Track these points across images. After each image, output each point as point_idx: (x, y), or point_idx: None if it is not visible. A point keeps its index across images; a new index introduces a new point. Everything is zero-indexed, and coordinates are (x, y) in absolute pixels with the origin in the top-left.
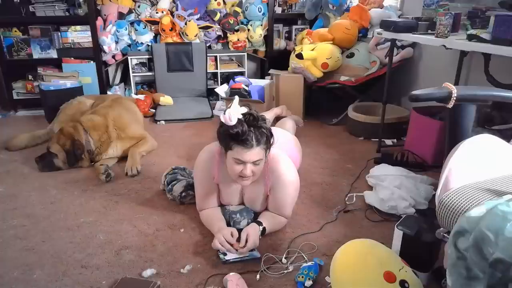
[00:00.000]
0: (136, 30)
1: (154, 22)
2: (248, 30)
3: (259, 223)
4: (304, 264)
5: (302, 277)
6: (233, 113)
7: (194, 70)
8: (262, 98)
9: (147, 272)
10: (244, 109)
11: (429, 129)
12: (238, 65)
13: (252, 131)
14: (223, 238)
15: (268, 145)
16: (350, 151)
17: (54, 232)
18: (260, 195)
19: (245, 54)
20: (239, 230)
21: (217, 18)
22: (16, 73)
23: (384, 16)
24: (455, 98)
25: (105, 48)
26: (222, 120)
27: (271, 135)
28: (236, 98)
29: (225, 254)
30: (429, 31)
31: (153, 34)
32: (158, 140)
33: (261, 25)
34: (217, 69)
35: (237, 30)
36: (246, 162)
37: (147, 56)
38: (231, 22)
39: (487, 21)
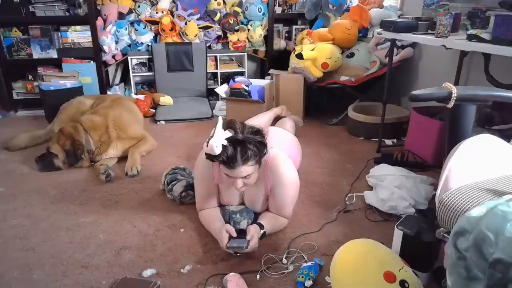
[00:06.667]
0: (136, 30)
1: (154, 22)
2: (248, 30)
3: (261, 226)
4: (304, 264)
5: (302, 277)
6: (216, 142)
7: (194, 70)
8: (262, 98)
9: (147, 272)
10: (228, 133)
11: (429, 129)
12: (238, 65)
13: (238, 151)
14: (227, 232)
15: (259, 157)
16: (350, 151)
17: (54, 232)
18: (260, 195)
19: (245, 54)
20: (240, 230)
21: (217, 18)
22: (16, 73)
23: (384, 16)
24: (455, 98)
25: (105, 48)
26: (206, 151)
27: (262, 145)
28: (219, 122)
29: (236, 253)
30: (429, 31)
31: (153, 34)
32: (158, 140)
33: (261, 25)
34: (217, 69)
35: (237, 30)
36: (235, 178)
37: (147, 56)
38: (231, 22)
39: (487, 21)
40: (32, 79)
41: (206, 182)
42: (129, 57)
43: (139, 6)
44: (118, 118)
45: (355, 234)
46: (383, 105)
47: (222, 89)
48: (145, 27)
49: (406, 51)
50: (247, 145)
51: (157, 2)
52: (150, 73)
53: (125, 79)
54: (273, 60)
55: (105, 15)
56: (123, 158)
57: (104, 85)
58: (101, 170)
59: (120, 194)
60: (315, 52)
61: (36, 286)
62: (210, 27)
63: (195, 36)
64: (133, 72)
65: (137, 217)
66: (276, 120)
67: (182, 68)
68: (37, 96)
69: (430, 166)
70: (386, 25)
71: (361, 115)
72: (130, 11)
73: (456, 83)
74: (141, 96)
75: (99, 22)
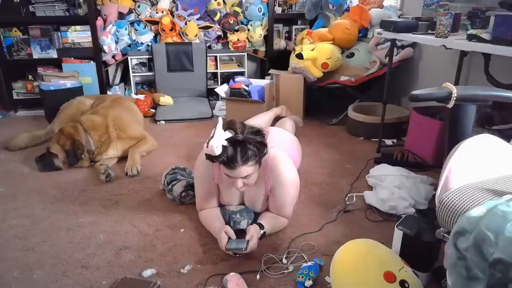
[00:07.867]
0: (136, 30)
1: (154, 22)
2: (248, 30)
3: (261, 226)
4: (304, 264)
5: (302, 277)
6: (217, 143)
7: (194, 70)
8: (262, 98)
9: (147, 272)
10: (228, 134)
11: (429, 129)
12: (238, 65)
13: (238, 151)
14: (226, 234)
15: (259, 157)
16: (350, 151)
17: (54, 232)
18: (261, 195)
19: (245, 54)
20: (240, 230)
21: (217, 18)
22: (16, 73)
23: (384, 16)
24: (455, 98)
25: (105, 48)
26: (206, 152)
27: (262, 145)
28: (220, 122)
29: (236, 254)
30: (429, 31)
31: (153, 34)
32: (158, 140)
33: (261, 25)
34: (217, 69)
35: (237, 30)
36: (235, 178)
37: (147, 56)
38: (231, 22)
39: (487, 21)
40: (32, 79)
41: (206, 182)
42: (129, 57)
43: (139, 6)
44: (118, 118)
45: (355, 234)
46: (383, 105)
47: (222, 89)
48: (145, 27)
49: (406, 51)
50: (247, 146)
51: (157, 2)
52: (150, 73)
53: (125, 79)
54: (273, 60)
55: (105, 15)
56: (123, 158)
57: (104, 85)
58: (101, 170)
59: (120, 194)
60: (315, 52)
61: (36, 286)
62: (210, 27)
63: (195, 36)
64: (133, 72)
65: (137, 217)
66: (276, 120)
67: (182, 68)
68: (37, 96)
69: (430, 166)
70: (386, 25)
71: (361, 115)
72: (130, 11)
73: (456, 83)
74: (141, 96)
75: (99, 22)
